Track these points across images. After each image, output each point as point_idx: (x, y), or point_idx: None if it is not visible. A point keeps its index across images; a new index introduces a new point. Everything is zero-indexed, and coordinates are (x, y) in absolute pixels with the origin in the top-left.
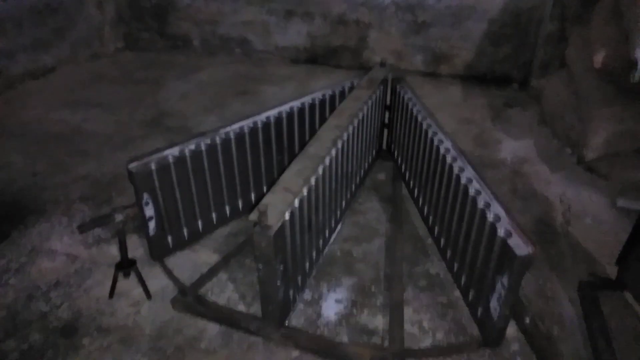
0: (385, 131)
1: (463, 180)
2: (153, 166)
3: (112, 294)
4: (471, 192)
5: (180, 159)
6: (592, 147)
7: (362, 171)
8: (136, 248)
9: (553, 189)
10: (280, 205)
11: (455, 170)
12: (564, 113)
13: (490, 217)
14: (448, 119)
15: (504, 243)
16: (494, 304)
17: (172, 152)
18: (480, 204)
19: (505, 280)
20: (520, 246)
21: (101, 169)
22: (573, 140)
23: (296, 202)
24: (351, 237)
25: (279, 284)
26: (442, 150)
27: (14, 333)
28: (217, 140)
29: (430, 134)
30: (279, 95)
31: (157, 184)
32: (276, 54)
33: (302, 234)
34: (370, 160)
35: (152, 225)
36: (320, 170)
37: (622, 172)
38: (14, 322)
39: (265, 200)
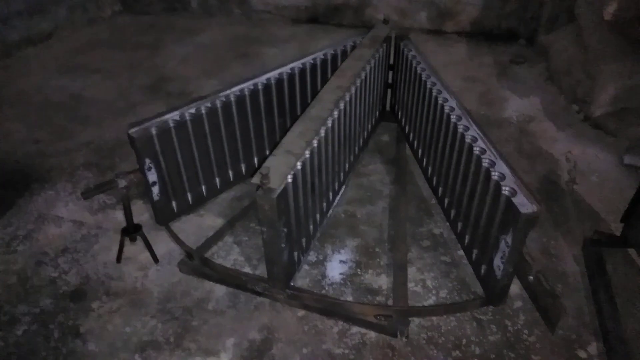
0: (389, 91)
1: (467, 140)
2: (154, 131)
3: (119, 258)
4: (476, 151)
5: (180, 124)
6: (599, 104)
7: (366, 133)
8: (142, 213)
9: (559, 147)
10: (282, 167)
11: (460, 129)
12: (572, 69)
13: (494, 176)
14: (453, 77)
15: (509, 202)
16: (497, 263)
17: (173, 117)
18: (485, 163)
19: (509, 238)
20: (525, 204)
21: (103, 135)
22: (580, 97)
23: (298, 165)
24: (355, 199)
25: (283, 246)
26: (446, 110)
27: (25, 298)
28: (218, 103)
29: (434, 93)
30: (279, 56)
31: (158, 148)
32: (276, 14)
33: (305, 196)
34: (373, 121)
35: (155, 190)
36: (322, 132)
37: (630, 129)
38: (24, 287)
39: (267, 163)
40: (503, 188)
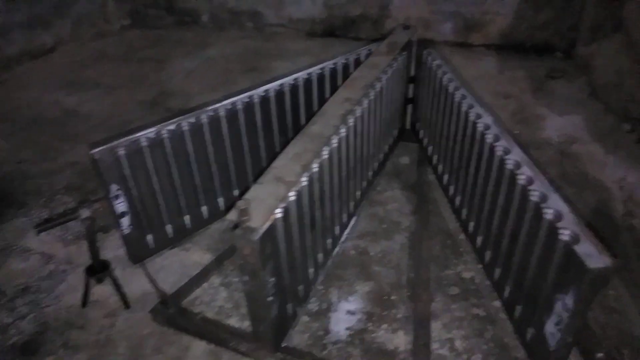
0: (409, 108)
1: (509, 165)
2: (122, 151)
3: (85, 302)
4: (520, 180)
5: (156, 142)
6: None
7: (381, 154)
8: (119, 247)
9: (610, 173)
10: (269, 200)
11: (498, 151)
12: (622, 83)
13: (548, 214)
14: (482, 93)
15: (569, 251)
16: (550, 329)
17: (147, 134)
18: (534, 196)
19: (569, 300)
20: (593, 255)
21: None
22: (633, 115)
23: (292, 195)
24: (368, 233)
25: (270, 299)
26: (480, 127)
27: None
28: (204, 119)
29: (464, 108)
30: None
31: (128, 172)
32: (290, 27)
33: (302, 234)
34: (390, 141)
35: (125, 222)
36: (325, 154)
37: None
38: None
39: (249, 194)
40: (561, 231)
